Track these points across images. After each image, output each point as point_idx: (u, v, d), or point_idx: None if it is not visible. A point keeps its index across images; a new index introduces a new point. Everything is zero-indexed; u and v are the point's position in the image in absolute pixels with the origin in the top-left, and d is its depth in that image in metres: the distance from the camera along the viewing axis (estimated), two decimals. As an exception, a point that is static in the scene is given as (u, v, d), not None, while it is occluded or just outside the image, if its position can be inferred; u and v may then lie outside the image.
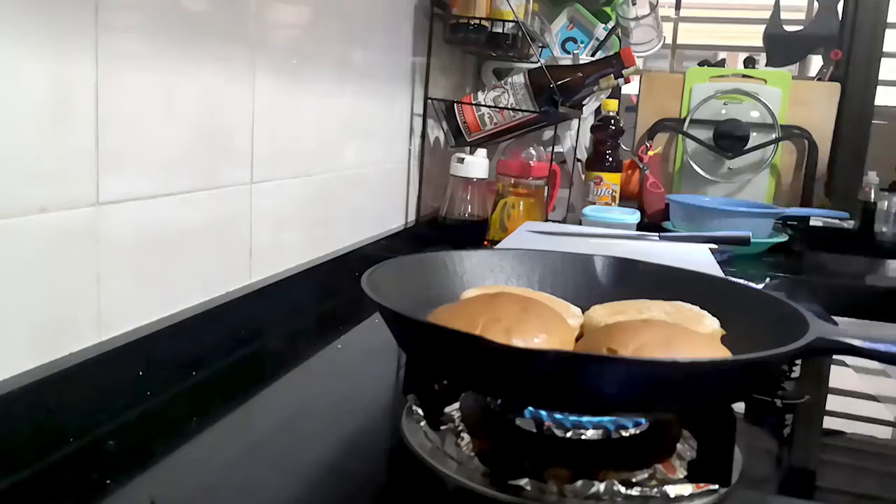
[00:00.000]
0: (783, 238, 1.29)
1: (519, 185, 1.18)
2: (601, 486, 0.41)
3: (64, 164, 0.46)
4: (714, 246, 0.97)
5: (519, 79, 1.14)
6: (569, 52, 1.41)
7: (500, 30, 1.14)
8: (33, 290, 0.44)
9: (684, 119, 1.54)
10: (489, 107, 1.14)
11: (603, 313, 0.55)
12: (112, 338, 0.51)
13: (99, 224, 0.49)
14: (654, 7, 1.58)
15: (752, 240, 1.21)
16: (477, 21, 1.13)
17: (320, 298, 0.80)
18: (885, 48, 1.80)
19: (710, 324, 0.53)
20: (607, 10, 1.48)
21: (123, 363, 0.50)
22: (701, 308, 0.56)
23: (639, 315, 0.54)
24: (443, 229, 1.15)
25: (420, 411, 0.48)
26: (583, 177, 1.40)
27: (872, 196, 1.63)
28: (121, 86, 0.50)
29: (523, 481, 0.41)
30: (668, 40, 2.09)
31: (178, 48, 0.55)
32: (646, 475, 0.43)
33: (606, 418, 0.46)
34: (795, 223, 1.50)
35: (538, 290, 0.62)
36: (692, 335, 0.47)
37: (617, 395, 0.40)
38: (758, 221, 1.27)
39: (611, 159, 1.37)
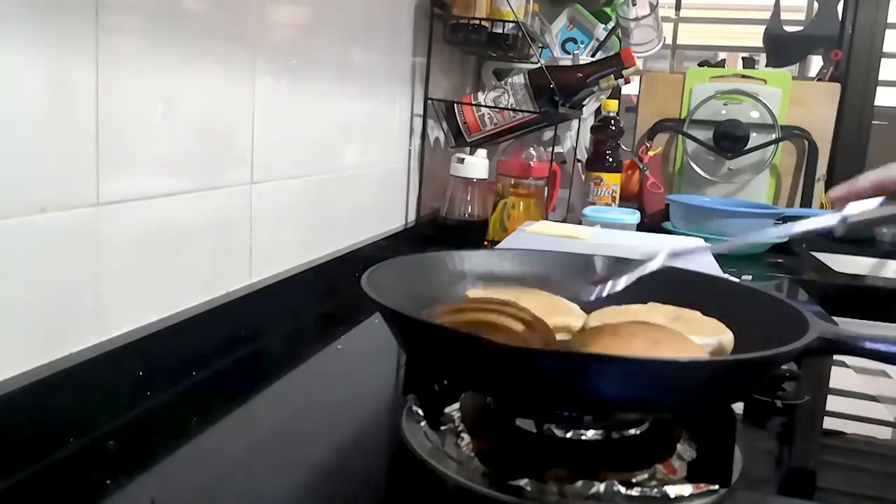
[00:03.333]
0: (783, 238, 1.28)
1: (519, 185, 1.18)
2: (601, 487, 0.41)
3: (64, 164, 0.46)
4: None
5: (519, 79, 1.14)
6: (569, 53, 1.41)
7: (500, 30, 1.14)
8: (33, 290, 0.44)
9: (684, 119, 1.54)
10: (489, 107, 1.14)
11: (606, 316, 0.55)
12: (112, 338, 0.51)
13: (99, 224, 0.49)
14: (654, 7, 1.58)
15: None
16: (477, 21, 1.13)
17: (320, 298, 0.80)
18: (885, 48, 1.81)
19: (707, 340, 0.51)
20: (607, 10, 1.48)
21: (123, 363, 0.50)
22: (701, 308, 0.56)
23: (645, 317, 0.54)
24: (443, 229, 1.15)
25: (420, 411, 0.48)
26: (583, 177, 1.40)
27: (872, 196, 1.62)
28: (121, 86, 0.50)
29: (523, 481, 0.41)
30: (668, 41, 2.09)
31: (179, 48, 0.55)
32: (646, 475, 0.43)
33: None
34: (796, 221, 1.50)
35: (540, 290, 0.62)
36: (680, 337, 0.47)
37: (617, 395, 0.40)
38: (757, 222, 1.27)
39: (611, 160, 1.37)
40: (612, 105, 1.39)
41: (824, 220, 0.49)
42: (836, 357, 0.73)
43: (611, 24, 1.43)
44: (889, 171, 0.50)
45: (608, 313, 0.56)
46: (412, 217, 1.16)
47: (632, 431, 0.47)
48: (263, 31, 0.67)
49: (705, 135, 1.51)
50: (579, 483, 0.41)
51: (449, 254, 0.62)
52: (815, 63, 2.02)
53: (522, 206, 1.16)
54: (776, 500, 0.47)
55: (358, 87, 0.90)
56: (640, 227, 1.16)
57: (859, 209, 0.49)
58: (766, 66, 1.90)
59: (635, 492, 0.41)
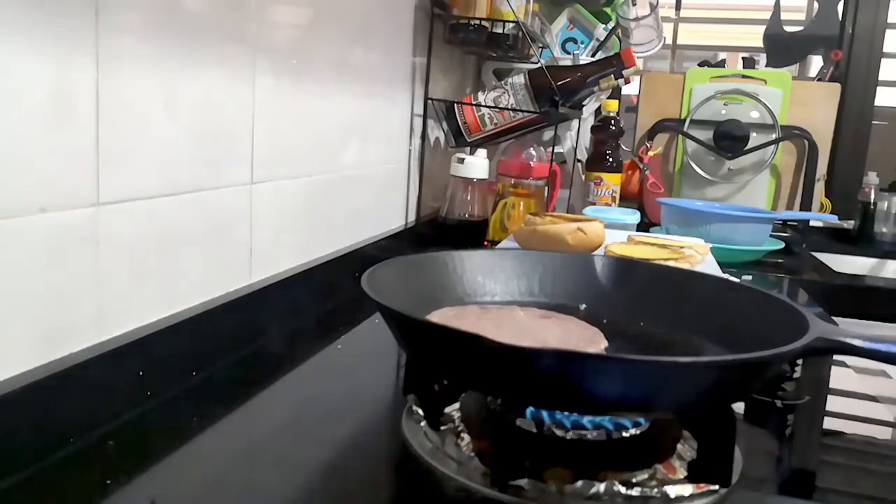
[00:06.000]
0: (780, 245, 1.27)
1: (519, 185, 1.18)
2: (601, 487, 0.41)
3: (64, 164, 0.46)
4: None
5: (519, 79, 1.14)
6: (569, 53, 1.41)
7: (500, 30, 1.14)
8: (33, 290, 0.44)
9: (684, 119, 1.54)
10: (489, 107, 1.14)
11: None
12: (112, 338, 0.51)
13: (99, 224, 0.49)
14: (654, 7, 1.58)
15: (746, 247, 1.20)
16: (477, 21, 1.13)
17: (320, 298, 0.80)
18: (885, 48, 1.81)
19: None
20: (607, 10, 1.48)
21: (123, 363, 0.50)
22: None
23: None
24: (443, 229, 1.15)
25: (420, 411, 0.48)
26: (583, 177, 1.40)
27: (872, 196, 1.63)
28: (121, 86, 0.50)
29: (523, 481, 0.41)
30: (669, 41, 2.10)
31: (179, 48, 0.55)
32: (646, 475, 0.43)
33: (606, 418, 0.46)
34: (796, 224, 1.50)
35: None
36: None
37: (617, 394, 0.40)
38: (750, 226, 1.25)
39: (611, 160, 1.37)
40: (612, 105, 1.39)
41: None
42: (836, 357, 0.73)
43: (611, 24, 1.43)
44: None
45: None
46: (412, 217, 1.16)
47: (632, 431, 0.47)
48: (263, 31, 0.67)
49: (705, 135, 1.51)
50: (579, 483, 0.41)
51: (449, 254, 0.62)
52: (815, 63, 2.02)
53: (522, 206, 1.16)
54: (776, 500, 0.47)
55: (358, 87, 0.90)
56: (640, 228, 1.16)
57: None
58: (766, 66, 1.90)
59: (635, 492, 0.41)
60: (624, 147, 1.45)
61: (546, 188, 1.20)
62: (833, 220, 1.44)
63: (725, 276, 0.70)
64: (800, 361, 0.71)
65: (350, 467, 0.46)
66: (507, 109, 1.13)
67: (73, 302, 0.47)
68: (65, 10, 0.44)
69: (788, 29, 1.90)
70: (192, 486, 0.43)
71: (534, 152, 1.20)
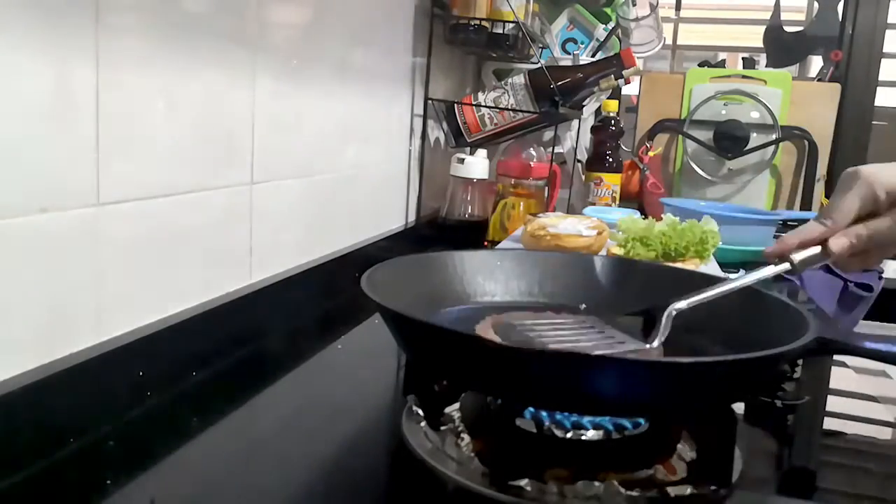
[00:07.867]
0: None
1: (519, 185, 1.18)
2: (601, 487, 0.41)
3: (64, 165, 0.46)
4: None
5: (519, 79, 1.14)
6: (569, 53, 1.41)
7: (500, 30, 1.14)
8: (33, 290, 0.44)
9: (684, 120, 1.54)
10: (489, 107, 1.14)
11: None
12: (112, 338, 0.51)
13: (99, 224, 0.49)
14: (654, 8, 1.58)
15: (746, 247, 1.20)
16: (477, 22, 1.13)
17: (320, 298, 0.80)
18: (885, 48, 1.81)
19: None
20: (607, 10, 1.48)
21: (123, 363, 0.50)
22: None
23: None
24: (443, 229, 1.15)
25: (420, 411, 0.48)
26: (583, 177, 1.40)
27: (872, 197, 1.62)
28: (121, 86, 0.50)
29: (523, 482, 0.41)
30: (669, 41, 2.09)
31: (179, 49, 0.55)
32: (646, 475, 0.43)
33: (606, 418, 0.46)
34: (796, 224, 1.50)
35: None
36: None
37: (617, 394, 0.40)
38: (752, 227, 1.24)
39: (611, 160, 1.37)
40: (612, 105, 1.39)
41: (776, 269, 0.52)
42: (836, 357, 0.73)
43: (611, 25, 1.43)
44: (836, 224, 0.52)
45: None
46: (412, 217, 1.16)
47: (632, 431, 0.47)
48: (263, 31, 0.67)
49: (705, 135, 1.51)
50: (579, 483, 0.41)
51: (449, 254, 0.62)
52: (815, 63, 2.02)
53: (522, 206, 1.16)
54: (776, 500, 0.47)
55: (358, 87, 0.90)
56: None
57: (803, 256, 0.52)
58: (767, 66, 1.90)
59: (635, 492, 0.41)
60: (624, 147, 1.45)
61: (546, 188, 1.20)
62: None
63: (726, 276, 0.70)
64: (800, 361, 0.71)
65: (350, 467, 0.46)
66: (507, 109, 1.13)
67: (73, 302, 0.47)
68: (65, 9, 0.44)
69: (788, 29, 1.90)
70: (192, 486, 0.43)
71: (534, 152, 1.20)
